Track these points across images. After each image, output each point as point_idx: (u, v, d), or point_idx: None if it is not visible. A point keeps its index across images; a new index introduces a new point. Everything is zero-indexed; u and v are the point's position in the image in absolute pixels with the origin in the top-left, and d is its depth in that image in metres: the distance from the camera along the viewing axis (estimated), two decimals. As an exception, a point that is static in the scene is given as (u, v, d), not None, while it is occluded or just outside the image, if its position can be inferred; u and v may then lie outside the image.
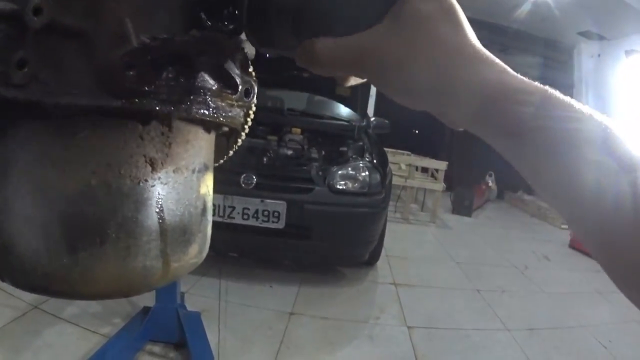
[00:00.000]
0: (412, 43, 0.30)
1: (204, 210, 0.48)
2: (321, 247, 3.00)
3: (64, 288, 0.39)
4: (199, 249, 0.47)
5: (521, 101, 0.28)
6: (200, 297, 2.70)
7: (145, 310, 2.36)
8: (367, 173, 3.12)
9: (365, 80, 0.36)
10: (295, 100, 4.05)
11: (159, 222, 0.42)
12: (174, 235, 0.43)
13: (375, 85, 0.34)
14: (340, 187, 3.04)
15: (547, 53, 6.92)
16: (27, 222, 0.38)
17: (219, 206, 2.84)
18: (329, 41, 0.32)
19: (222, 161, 0.57)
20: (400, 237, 4.58)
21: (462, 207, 6.20)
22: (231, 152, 0.56)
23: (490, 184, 7.29)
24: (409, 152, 6.51)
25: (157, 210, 0.42)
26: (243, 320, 2.35)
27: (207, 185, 0.49)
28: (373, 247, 3.26)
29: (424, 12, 0.30)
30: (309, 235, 2.94)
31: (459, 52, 0.30)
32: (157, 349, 2.26)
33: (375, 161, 3.31)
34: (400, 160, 5.83)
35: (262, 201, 2.84)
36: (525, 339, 2.78)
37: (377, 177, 3.16)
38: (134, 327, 2.29)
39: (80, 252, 0.38)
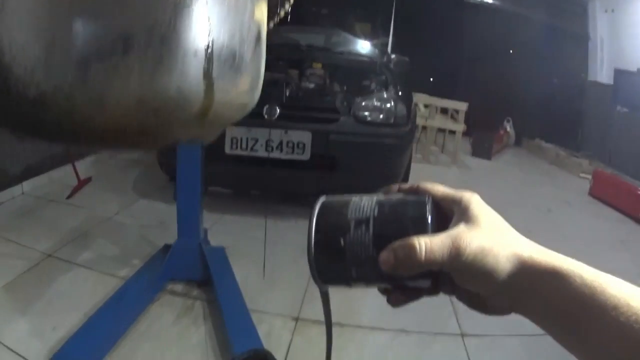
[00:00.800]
0: (488, 234, 0.36)
1: (258, 38, 0.40)
2: (346, 179, 2.87)
3: (64, 114, 0.25)
4: (250, 85, 0.36)
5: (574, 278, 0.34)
6: (222, 234, 2.61)
7: (166, 248, 2.22)
8: (392, 104, 2.97)
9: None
10: (315, 36, 3.89)
11: (205, 35, 0.29)
12: (222, 55, 0.31)
13: (460, 277, 0.36)
14: (366, 118, 2.90)
15: (561, 5, 6.66)
16: (25, 20, 0.25)
17: (240, 139, 2.71)
18: (425, 237, 0.36)
19: (272, 24, 0.51)
20: (424, 177, 4.45)
21: (482, 150, 6.08)
22: (282, 12, 0.52)
23: (509, 129, 7.14)
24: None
25: (203, 19, 0.28)
26: (269, 257, 2.24)
27: (262, 11, 0.42)
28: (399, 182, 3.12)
29: (485, 213, 0.38)
30: (334, 167, 2.83)
31: (521, 238, 0.38)
32: (179, 287, 2.17)
33: (400, 93, 3.13)
34: (419, 100, 5.64)
35: (286, 132, 2.70)
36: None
37: (403, 108, 3.01)
38: (154, 266, 2.16)
39: (93, 63, 0.25)
